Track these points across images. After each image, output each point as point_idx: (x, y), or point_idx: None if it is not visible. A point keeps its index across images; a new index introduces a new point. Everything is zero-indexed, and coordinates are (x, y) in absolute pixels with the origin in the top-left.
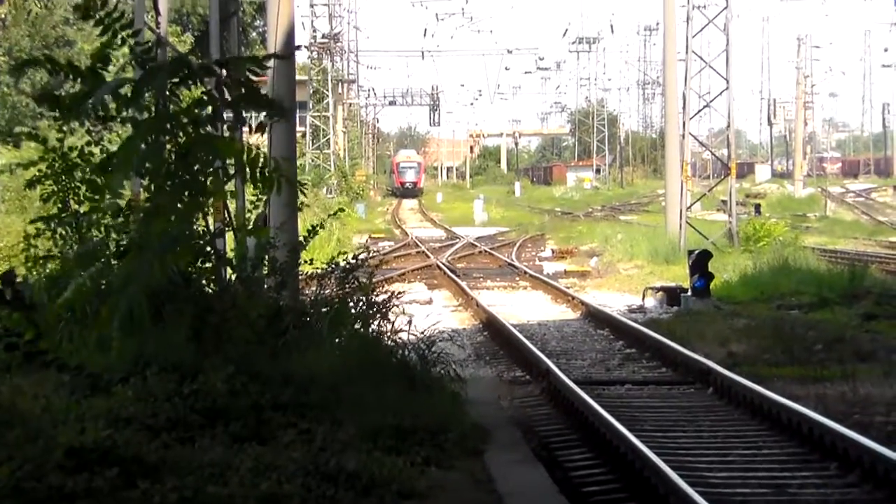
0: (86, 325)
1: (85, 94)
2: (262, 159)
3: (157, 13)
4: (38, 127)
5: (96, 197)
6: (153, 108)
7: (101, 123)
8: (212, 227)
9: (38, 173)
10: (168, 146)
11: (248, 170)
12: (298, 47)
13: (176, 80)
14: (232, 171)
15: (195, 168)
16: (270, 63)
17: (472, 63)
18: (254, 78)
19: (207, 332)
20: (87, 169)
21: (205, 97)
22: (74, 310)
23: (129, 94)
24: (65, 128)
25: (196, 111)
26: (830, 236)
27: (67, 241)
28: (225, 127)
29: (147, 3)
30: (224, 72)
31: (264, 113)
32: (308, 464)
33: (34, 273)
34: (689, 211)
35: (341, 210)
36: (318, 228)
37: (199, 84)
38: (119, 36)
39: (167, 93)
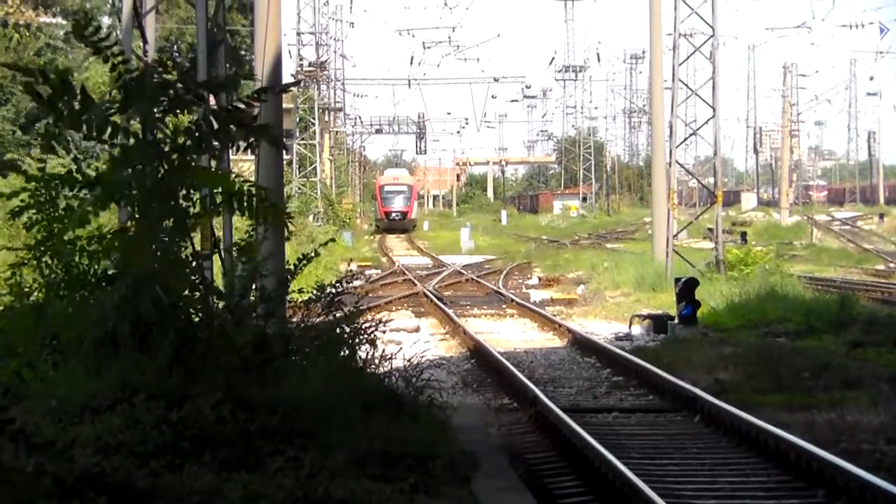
0: (71, 354)
1: (79, 112)
2: (246, 190)
3: (145, 41)
4: (31, 155)
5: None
6: (139, 135)
7: (93, 140)
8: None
9: (21, 203)
10: (153, 173)
11: (234, 200)
12: (298, 83)
13: (162, 105)
14: (219, 200)
15: (179, 195)
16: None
17: (459, 91)
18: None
19: (193, 360)
20: (70, 195)
21: (192, 125)
22: (59, 338)
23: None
24: (44, 156)
25: (181, 138)
26: (817, 264)
27: (53, 269)
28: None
29: (135, 31)
30: (212, 97)
31: (252, 139)
32: (297, 491)
33: (20, 302)
34: (676, 239)
35: (332, 240)
36: (309, 257)
37: (185, 112)
38: (109, 60)
39: (154, 119)
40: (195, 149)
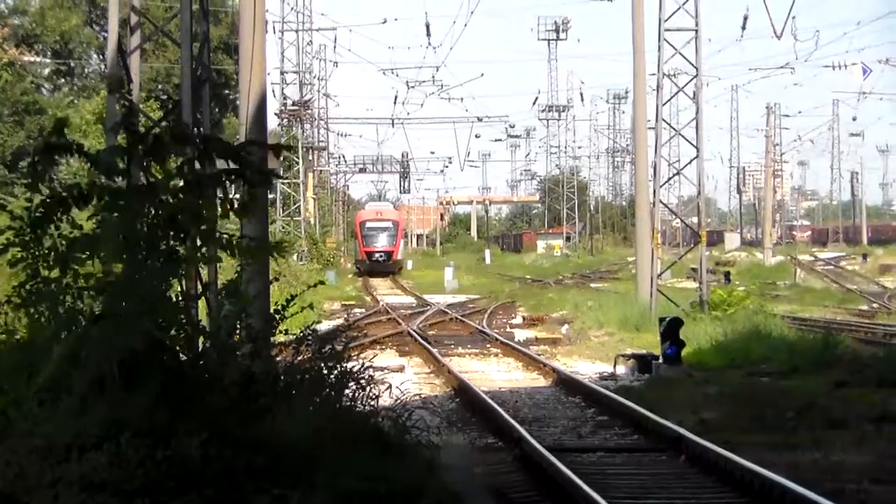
0: (58, 392)
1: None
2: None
3: (129, 80)
4: (14, 194)
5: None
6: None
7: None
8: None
9: (6, 241)
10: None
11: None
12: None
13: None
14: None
15: (169, 238)
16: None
17: (443, 130)
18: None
19: (179, 399)
20: (59, 239)
21: (185, 168)
22: (47, 377)
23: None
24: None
25: (173, 182)
26: (800, 304)
27: (37, 308)
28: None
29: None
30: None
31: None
32: None
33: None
34: (660, 278)
35: (321, 283)
36: (300, 306)
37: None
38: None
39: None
40: (191, 189)
